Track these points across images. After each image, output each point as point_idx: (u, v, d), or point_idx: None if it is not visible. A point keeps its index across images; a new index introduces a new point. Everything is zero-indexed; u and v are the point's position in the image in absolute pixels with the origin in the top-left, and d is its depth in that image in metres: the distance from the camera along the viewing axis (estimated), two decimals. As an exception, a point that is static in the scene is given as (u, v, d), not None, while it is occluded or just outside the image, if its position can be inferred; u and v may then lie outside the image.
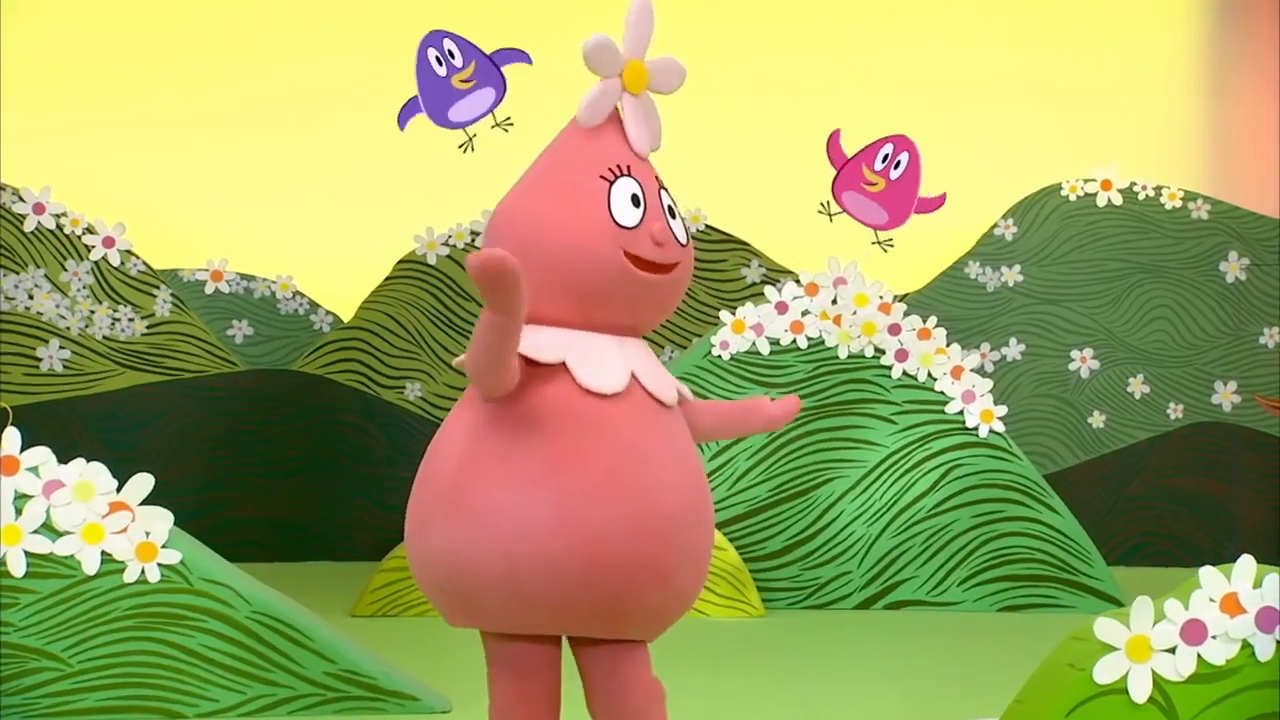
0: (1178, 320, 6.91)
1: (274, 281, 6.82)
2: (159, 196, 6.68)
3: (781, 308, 5.32)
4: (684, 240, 2.53)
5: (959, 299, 6.92)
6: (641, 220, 2.47)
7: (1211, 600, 2.49)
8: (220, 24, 6.81)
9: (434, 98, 2.64)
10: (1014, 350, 6.90)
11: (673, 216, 2.53)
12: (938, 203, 3.38)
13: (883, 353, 5.34)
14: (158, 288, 6.38)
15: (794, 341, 5.33)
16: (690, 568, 2.46)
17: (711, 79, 7.10)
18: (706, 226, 6.77)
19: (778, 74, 7.09)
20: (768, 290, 5.35)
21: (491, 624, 2.44)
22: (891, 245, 3.07)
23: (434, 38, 2.65)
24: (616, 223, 2.45)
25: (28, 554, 3.34)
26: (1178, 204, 6.93)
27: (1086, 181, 6.97)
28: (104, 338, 6.26)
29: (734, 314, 5.32)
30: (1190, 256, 6.93)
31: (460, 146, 2.62)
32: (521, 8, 6.54)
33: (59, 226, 6.24)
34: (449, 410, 2.56)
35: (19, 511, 3.33)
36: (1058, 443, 6.85)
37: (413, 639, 4.40)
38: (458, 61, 2.62)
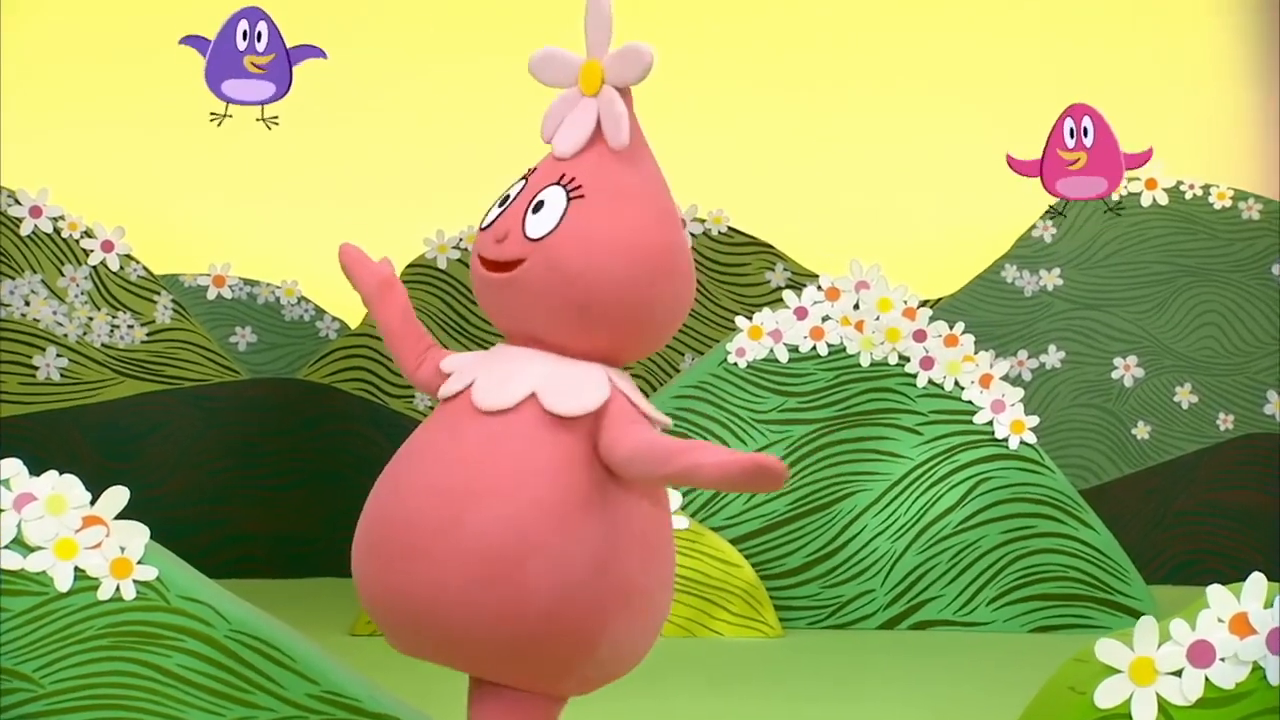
0: (1227, 326, 6.84)
1: (278, 287, 6.85)
2: (159, 199, 6.73)
3: (801, 313, 5.30)
4: (537, 234, 2.43)
5: (995, 304, 6.88)
6: (495, 219, 2.49)
7: (1220, 620, 2.46)
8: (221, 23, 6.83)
9: (219, 64, 2.71)
10: (1053, 358, 6.85)
11: (535, 212, 2.44)
12: (1146, 156, 3.38)
13: (907, 360, 5.31)
14: (158, 293, 6.42)
15: (814, 348, 5.31)
16: (425, 578, 2.44)
17: (735, 77, 7.14)
18: (729, 229, 6.76)
19: (805, 72, 7.08)
20: (786, 295, 5.33)
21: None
22: (1123, 209, 3.10)
23: (252, 13, 2.71)
24: (480, 226, 2.55)
25: (-2, 570, 3.35)
26: (1227, 203, 6.86)
27: (1130, 180, 6.89)
28: (103, 345, 6.30)
29: (750, 319, 5.30)
30: (1240, 259, 6.86)
31: (212, 117, 2.68)
32: (527, 8, 6.55)
33: (56, 230, 6.29)
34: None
35: (-11, 526, 3.34)
36: (1100, 455, 6.79)
37: (409, 660, 4.39)
38: (261, 45, 2.69)
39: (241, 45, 2.59)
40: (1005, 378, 5.29)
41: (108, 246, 6.35)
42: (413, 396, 6.55)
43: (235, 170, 6.80)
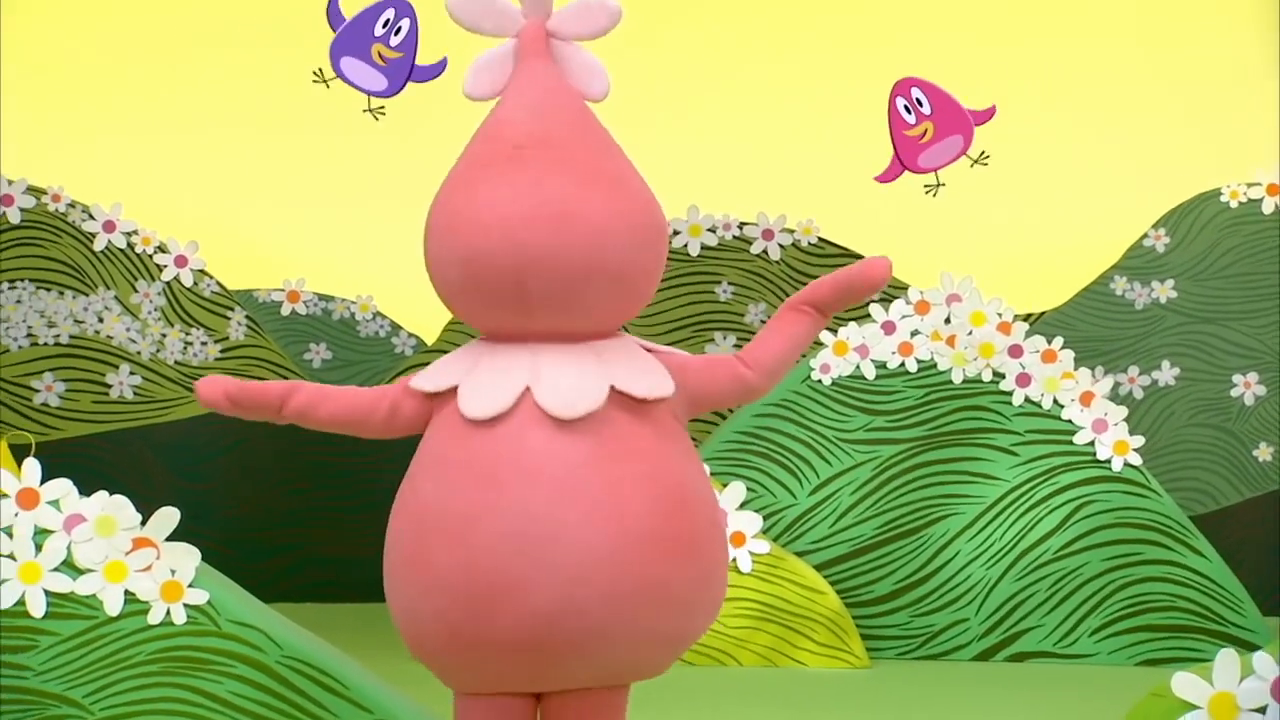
0: (1356, 340, 6.68)
1: (353, 302, 6.93)
2: (233, 212, 6.83)
3: (889, 328, 5.26)
4: None
5: (1103, 318, 6.77)
6: None
7: (1307, 656, 2.39)
8: (296, 27, 6.93)
9: (348, 39, 2.71)
10: (1166, 374, 6.72)
11: None
12: (990, 113, 3.38)
13: (1002, 377, 5.25)
14: (231, 309, 6.52)
15: (902, 365, 5.26)
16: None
17: (826, 79, 7.10)
18: (819, 239, 6.72)
19: (897, 73, 7.02)
20: (873, 309, 5.29)
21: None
22: (988, 159, 3.09)
23: (402, 4, 2.72)
24: None
25: (47, 593, 3.41)
26: (1355, 209, 6.70)
27: (1250, 186, 6.76)
28: (176, 363, 6.41)
29: (835, 334, 5.26)
30: (1370, 268, 6.71)
31: (315, 75, 2.69)
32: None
33: (129, 245, 6.41)
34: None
35: (38, 548, 3.41)
36: (1218, 478, 6.64)
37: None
38: (396, 40, 2.69)
39: (379, 31, 2.62)
40: (1113, 396, 5.21)
41: (181, 262, 6.46)
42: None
43: (310, 183, 6.89)
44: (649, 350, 2.65)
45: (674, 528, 2.48)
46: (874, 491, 5.26)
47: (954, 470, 5.26)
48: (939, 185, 3.14)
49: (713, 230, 6.60)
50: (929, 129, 3.02)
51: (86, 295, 6.32)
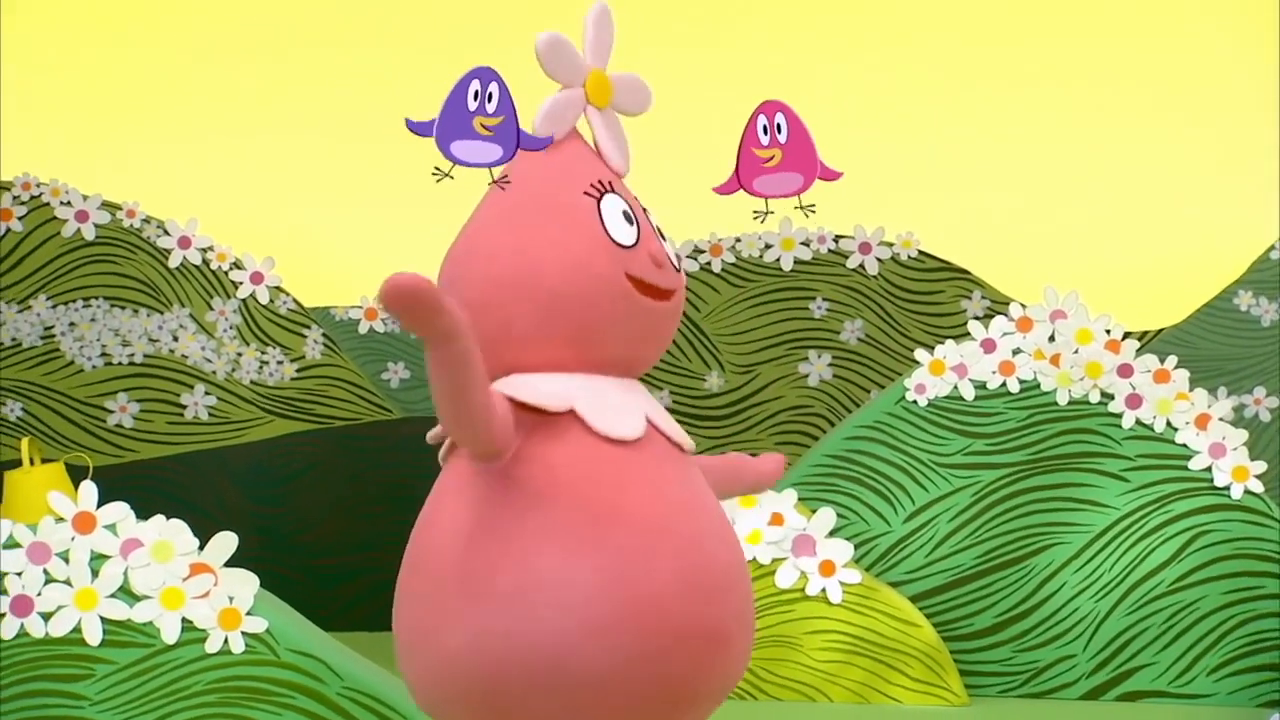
0: None
1: (433, 320, 6.96)
2: (310, 227, 6.91)
3: (988, 345, 5.19)
4: (678, 266, 2.53)
5: (1226, 335, 6.66)
6: (638, 239, 2.47)
7: None
8: (378, 38, 7.03)
9: (449, 124, 2.74)
10: (1295, 396, 6.60)
11: (662, 239, 2.55)
12: (834, 175, 3.36)
13: (1111, 398, 5.16)
14: (308, 327, 6.58)
15: (1003, 385, 5.19)
16: (746, 628, 2.42)
17: (924, 84, 7.06)
18: (920, 253, 6.66)
19: (1002, 78, 6.97)
20: (972, 326, 5.22)
21: None
22: (814, 210, 3.06)
23: (484, 73, 2.76)
24: (614, 240, 2.45)
25: (104, 620, 3.46)
26: None
27: (1384, 193, 6.63)
28: (251, 382, 6.48)
29: (931, 352, 5.20)
30: None
31: (435, 173, 2.70)
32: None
33: (205, 262, 6.50)
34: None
35: (95, 573, 3.46)
36: (1349, 506, 6.50)
37: None
38: (491, 107, 2.72)
39: (472, 106, 2.67)
40: (1237, 419, 5.10)
41: (257, 278, 6.53)
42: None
43: (386, 199, 6.94)
44: None
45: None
46: (973, 519, 5.19)
47: (1059, 497, 5.17)
48: (768, 213, 3.13)
49: (806, 244, 6.57)
50: (777, 156, 3.02)
51: (161, 313, 6.41)
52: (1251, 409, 6.48)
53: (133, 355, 6.36)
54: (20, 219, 6.38)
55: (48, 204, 6.37)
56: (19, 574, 3.42)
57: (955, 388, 5.21)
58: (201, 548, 3.49)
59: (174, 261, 6.44)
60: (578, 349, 2.43)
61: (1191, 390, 5.16)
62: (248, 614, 3.48)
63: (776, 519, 4.90)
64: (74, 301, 6.37)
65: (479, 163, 2.71)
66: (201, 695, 3.46)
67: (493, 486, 2.35)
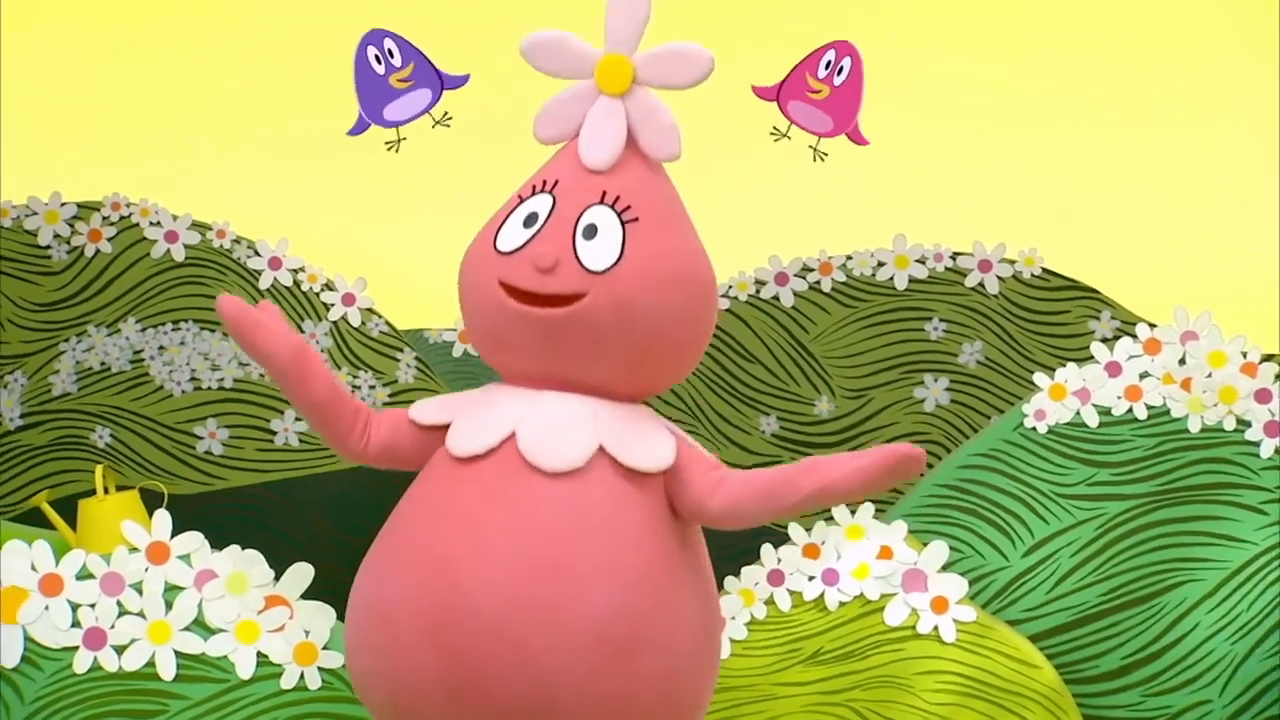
0: None
1: (529, 343, 6.99)
2: (403, 248, 6.96)
3: (1113, 369, 5.10)
4: (599, 267, 2.42)
5: (1383, 358, 6.50)
6: (526, 243, 2.48)
7: None
8: (461, 55, 7.07)
9: (371, 96, 2.82)
10: None
11: (589, 238, 2.47)
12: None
13: (1247, 425, 5.06)
14: (401, 350, 6.62)
15: (1129, 411, 5.10)
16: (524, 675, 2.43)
17: (1049, 87, 6.98)
18: (1044, 270, 6.59)
19: (1131, 79, 6.89)
20: (1094, 348, 5.14)
21: None
22: (825, 156, 3.00)
23: (374, 36, 2.84)
24: (495, 248, 2.53)
25: (178, 654, 3.49)
26: None
27: None
28: (343, 408, 6.52)
29: (1052, 376, 5.13)
30: None
31: (388, 145, 2.81)
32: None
33: (296, 283, 6.56)
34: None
35: (169, 605, 3.49)
36: None
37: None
38: (396, 61, 2.79)
39: (380, 70, 2.73)
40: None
41: (349, 300, 6.58)
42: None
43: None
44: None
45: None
46: (1098, 553, 5.11)
47: (1191, 530, 5.08)
48: (785, 136, 3.06)
49: (922, 261, 6.52)
50: (824, 91, 2.98)
51: (252, 336, 6.48)
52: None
53: (222, 380, 6.44)
54: (110, 240, 6.48)
55: (137, 224, 6.46)
56: (92, 605, 3.45)
57: (1078, 414, 5.13)
58: (278, 578, 3.51)
59: (265, 283, 6.51)
60: (502, 360, 2.61)
61: (1336, 417, 5.07)
62: (324, 648, 3.49)
63: (885, 552, 4.84)
64: (163, 325, 6.46)
65: (416, 113, 2.79)
66: (277, 733, 3.48)
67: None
